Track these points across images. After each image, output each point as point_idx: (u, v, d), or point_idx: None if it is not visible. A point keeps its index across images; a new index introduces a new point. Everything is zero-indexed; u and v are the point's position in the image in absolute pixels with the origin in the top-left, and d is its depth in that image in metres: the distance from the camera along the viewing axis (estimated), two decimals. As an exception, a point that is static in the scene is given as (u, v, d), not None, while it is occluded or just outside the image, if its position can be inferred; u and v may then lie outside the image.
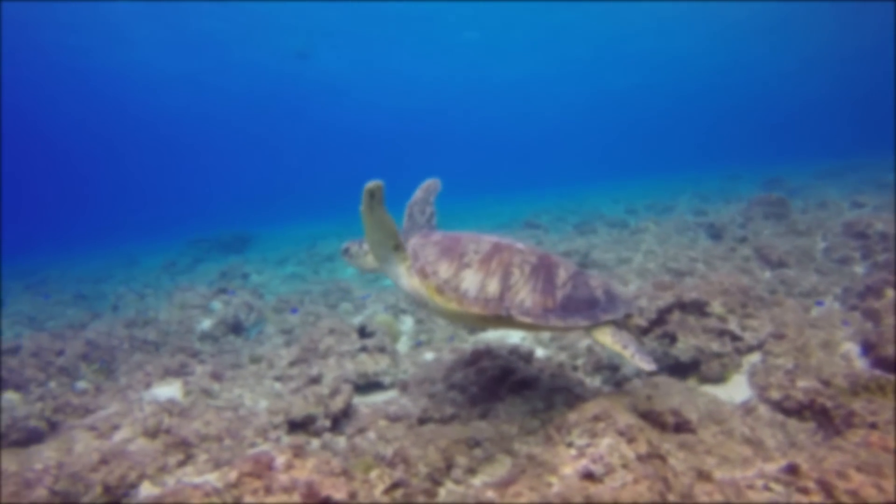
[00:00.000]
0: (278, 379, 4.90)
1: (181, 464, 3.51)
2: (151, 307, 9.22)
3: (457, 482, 2.96)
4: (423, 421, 3.50)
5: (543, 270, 2.88)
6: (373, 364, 4.74)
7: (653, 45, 40.36)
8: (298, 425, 3.91)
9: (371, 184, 2.55)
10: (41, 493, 3.15)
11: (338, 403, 4.04)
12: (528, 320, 2.75)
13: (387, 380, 4.70)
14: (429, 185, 3.60)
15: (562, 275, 2.91)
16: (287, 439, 3.79)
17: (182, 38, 32.00)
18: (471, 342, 5.56)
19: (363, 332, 5.23)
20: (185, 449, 3.59)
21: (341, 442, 3.82)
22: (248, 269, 11.39)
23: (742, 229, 8.58)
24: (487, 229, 13.98)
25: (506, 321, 2.85)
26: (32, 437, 4.50)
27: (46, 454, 3.66)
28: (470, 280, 2.84)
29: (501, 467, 3.06)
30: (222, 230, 19.84)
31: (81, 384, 5.76)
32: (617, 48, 41.18)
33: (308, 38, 31.55)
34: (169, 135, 64.08)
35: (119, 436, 3.88)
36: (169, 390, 4.78)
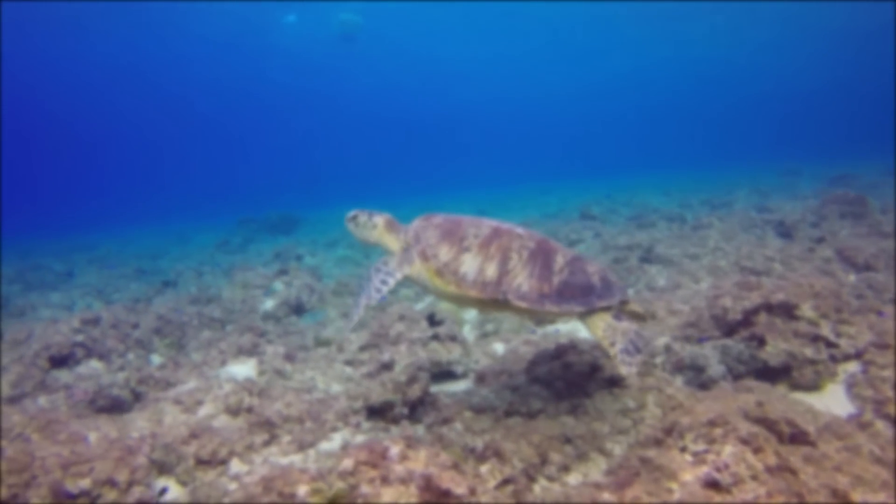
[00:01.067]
0: (349, 363, 4.94)
1: (266, 443, 3.57)
2: (211, 285, 9.47)
3: (550, 479, 2.90)
4: (509, 414, 3.45)
5: (541, 256, 2.93)
6: (445, 353, 4.72)
7: (699, 45, 39.00)
8: (376, 411, 3.92)
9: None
10: (142, 460, 3.26)
11: (415, 391, 4.03)
12: (523, 305, 2.82)
13: (459, 369, 4.67)
14: None
15: (559, 261, 2.95)
16: (367, 425, 3.81)
17: (226, 23, 32.52)
18: (539, 334, 5.48)
19: (432, 320, 5.21)
20: (269, 429, 3.65)
21: (419, 430, 3.82)
22: (301, 251, 11.56)
23: (815, 229, 8.17)
24: (536, 219, 13.81)
25: (502, 305, 2.90)
26: (116, 405, 4.68)
27: (140, 423, 3.79)
28: (469, 264, 2.89)
29: (595, 466, 3.00)
30: (270, 211, 20.21)
31: (155, 357, 5.97)
32: (659, 43, 39.93)
33: (354, 21, 31.51)
34: (215, 118, 65.60)
35: (203, 411, 3.98)
36: (243, 369, 4.88)
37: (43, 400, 4.71)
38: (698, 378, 4.02)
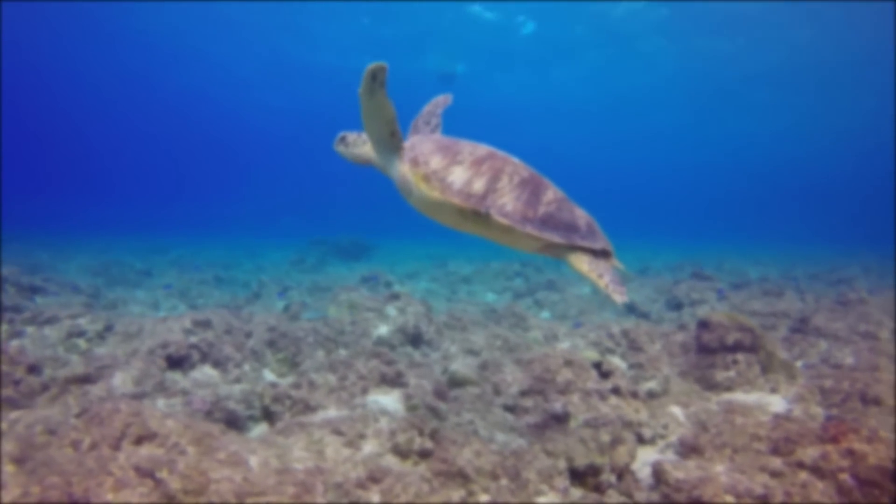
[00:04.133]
0: (509, 409, 4.22)
1: (463, 501, 2.86)
2: (303, 302, 9.01)
3: None
4: (785, 508, 2.66)
5: (531, 185, 2.89)
6: (632, 411, 3.95)
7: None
8: (579, 475, 3.18)
9: (374, 65, 2.52)
10: (319, 500, 2.61)
11: (622, 456, 3.29)
12: (505, 222, 2.77)
13: (647, 433, 3.88)
14: (437, 101, 3.62)
15: (549, 195, 2.91)
16: (575, 492, 3.07)
17: (315, 48, 33.61)
18: (713, 401, 4.65)
19: (600, 370, 4.47)
20: (463, 482, 2.94)
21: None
22: (390, 278, 11.06)
23: None
24: (630, 276, 12.94)
25: (483, 221, 2.83)
26: (232, 420, 4.15)
27: (297, 452, 3.16)
28: (458, 175, 2.85)
29: None
30: (340, 235, 20.03)
31: (267, 372, 5.42)
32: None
33: (452, 60, 31.83)
34: (282, 140, 67.94)
35: (368, 448, 3.33)
36: (388, 400, 4.23)
37: (162, 403, 4.18)
38: None
